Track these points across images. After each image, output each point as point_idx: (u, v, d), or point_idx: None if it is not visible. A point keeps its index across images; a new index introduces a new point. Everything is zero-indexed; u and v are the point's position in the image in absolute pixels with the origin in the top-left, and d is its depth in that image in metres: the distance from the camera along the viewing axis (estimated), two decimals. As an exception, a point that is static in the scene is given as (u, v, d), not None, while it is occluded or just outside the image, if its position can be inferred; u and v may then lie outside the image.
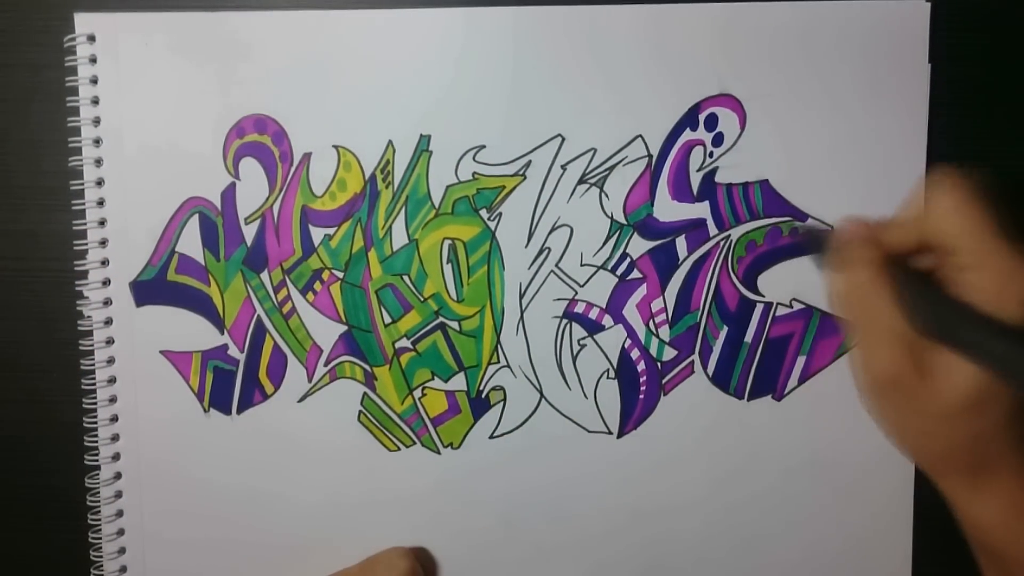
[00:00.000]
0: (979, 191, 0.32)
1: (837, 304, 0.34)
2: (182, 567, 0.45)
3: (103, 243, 0.44)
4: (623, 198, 0.43)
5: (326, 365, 0.44)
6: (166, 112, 0.43)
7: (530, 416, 0.44)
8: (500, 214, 0.43)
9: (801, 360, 0.43)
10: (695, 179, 0.42)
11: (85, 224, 0.44)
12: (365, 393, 0.44)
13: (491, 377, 0.44)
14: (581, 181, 0.43)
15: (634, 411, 0.43)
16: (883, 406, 0.33)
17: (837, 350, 0.43)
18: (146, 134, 0.43)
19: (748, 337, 0.43)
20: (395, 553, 0.43)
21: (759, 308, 0.43)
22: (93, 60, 0.43)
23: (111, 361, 0.44)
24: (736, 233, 0.42)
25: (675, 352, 0.43)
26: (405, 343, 0.44)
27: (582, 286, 0.43)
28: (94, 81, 0.43)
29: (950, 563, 0.42)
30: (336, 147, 0.43)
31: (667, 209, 0.42)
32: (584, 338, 0.43)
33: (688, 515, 0.43)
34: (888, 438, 0.34)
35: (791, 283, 0.42)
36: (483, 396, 0.44)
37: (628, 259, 0.43)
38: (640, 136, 0.42)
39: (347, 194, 0.43)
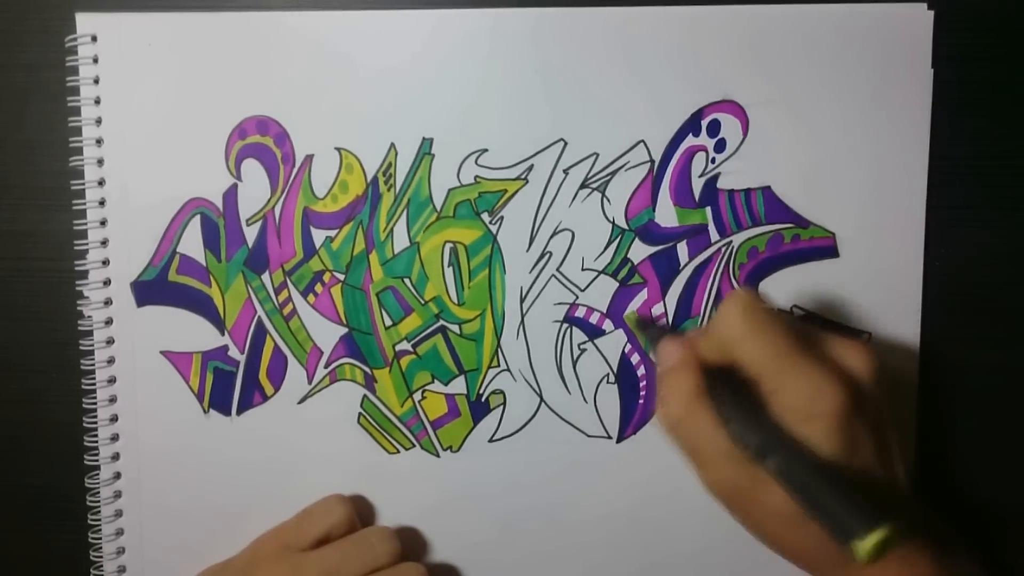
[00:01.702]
0: (767, 312, 0.33)
1: (665, 432, 0.34)
2: (181, 567, 0.45)
3: (104, 243, 0.44)
4: (625, 203, 0.42)
5: (326, 367, 0.44)
6: (168, 113, 0.43)
7: (530, 420, 0.44)
8: (502, 218, 0.43)
9: (801, 366, 0.43)
10: (697, 185, 0.42)
11: (86, 224, 0.44)
12: (365, 395, 0.44)
13: (491, 381, 0.44)
14: (583, 186, 0.43)
15: (634, 416, 0.43)
16: (735, 514, 0.34)
17: (837, 357, 0.43)
18: (148, 134, 0.43)
19: (748, 343, 0.43)
20: (333, 499, 0.43)
21: (760, 314, 0.43)
22: (95, 60, 0.43)
23: (111, 361, 0.44)
24: (738, 239, 0.42)
25: (675, 357, 0.43)
26: (405, 346, 0.44)
27: (583, 290, 0.43)
28: (96, 81, 0.43)
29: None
30: (338, 149, 0.43)
31: (668, 215, 0.42)
32: (584, 342, 0.43)
33: (687, 520, 0.43)
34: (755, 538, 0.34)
35: (792, 290, 0.42)
36: (483, 399, 0.44)
37: (629, 264, 0.43)
38: (642, 141, 0.42)
39: (349, 196, 0.43)
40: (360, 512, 0.43)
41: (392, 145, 0.43)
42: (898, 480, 0.33)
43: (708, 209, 0.42)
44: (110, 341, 0.44)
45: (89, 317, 0.44)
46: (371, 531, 0.42)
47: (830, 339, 0.34)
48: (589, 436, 0.44)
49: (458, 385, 0.44)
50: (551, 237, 0.43)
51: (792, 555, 0.33)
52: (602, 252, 0.43)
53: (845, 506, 0.28)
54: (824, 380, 0.31)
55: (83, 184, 0.44)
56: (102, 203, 0.44)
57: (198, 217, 0.44)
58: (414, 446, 0.44)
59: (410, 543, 0.44)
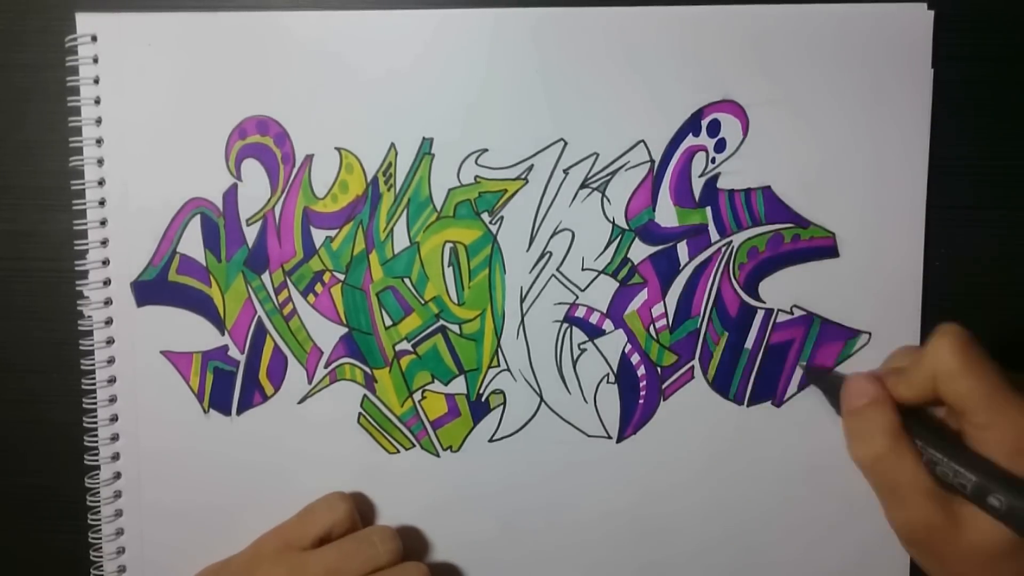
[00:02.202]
0: (980, 348, 0.33)
1: (860, 468, 0.34)
2: (181, 567, 0.45)
3: (104, 243, 0.44)
4: (625, 203, 0.42)
5: (326, 367, 0.44)
6: (168, 113, 0.43)
7: (530, 420, 0.44)
8: (502, 218, 0.43)
9: (801, 367, 0.43)
10: (697, 185, 0.42)
11: (86, 224, 0.44)
12: (365, 395, 0.44)
13: (491, 380, 0.44)
14: (583, 186, 0.43)
15: (634, 416, 0.43)
16: (921, 556, 0.34)
17: (837, 357, 0.43)
18: (148, 134, 0.43)
19: (748, 343, 0.43)
20: (334, 497, 0.43)
21: (760, 314, 0.43)
22: (95, 60, 0.43)
23: (111, 361, 0.44)
24: (738, 239, 0.42)
25: (675, 357, 0.43)
26: (405, 346, 0.44)
27: (583, 290, 0.43)
28: (96, 81, 0.43)
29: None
30: (338, 149, 0.43)
31: (668, 215, 0.42)
32: (584, 342, 0.43)
33: (687, 520, 0.43)
34: None
35: (792, 290, 0.42)
36: (483, 399, 0.44)
37: (629, 264, 0.43)
38: (642, 141, 0.42)
39: (349, 196, 0.43)
40: (361, 511, 0.43)
41: (392, 145, 0.43)
42: None
43: (708, 209, 0.42)
44: (110, 341, 0.44)
45: (89, 317, 0.44)
46: (373, 530, 0.42)
47: None
48: (589, 436, 0.44)
49: (458, 385, 0.44)
50: (551, 237, 0.43)
51: None
52: (602, 252, 0.43)
53: None
54: None
55: (83, 184, 0.44)
56: (102, 203, 0.44)
57: (198, 217, 0.44)
58: (414, 446, 0.44)
59: (411, 543, 0.44)
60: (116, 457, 0.44)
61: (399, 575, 0.40)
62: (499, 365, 0.44)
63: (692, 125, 0.42)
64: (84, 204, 0.44)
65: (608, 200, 0.43)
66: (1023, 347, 0.42)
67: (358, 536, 0.41)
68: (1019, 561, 0.31)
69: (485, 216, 0.43)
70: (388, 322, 0.44)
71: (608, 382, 0.43)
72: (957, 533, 0.32)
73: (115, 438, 0.44)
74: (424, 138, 0.43)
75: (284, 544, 0.41)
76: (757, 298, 0.43)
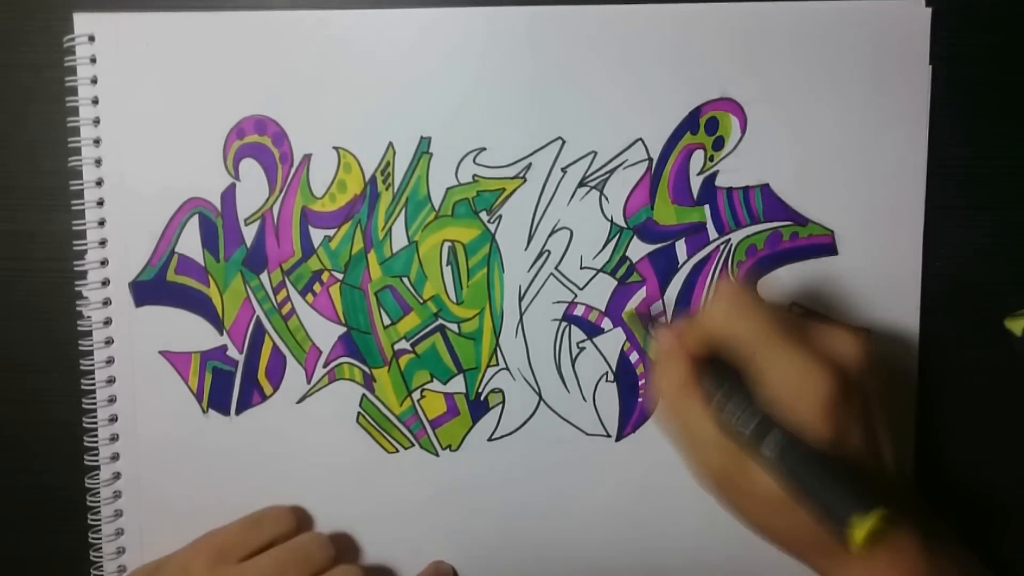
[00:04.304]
0: (754, 295, 0.34)
1: (660, 419, 0.35)
2: (181, 567, 0.45)
3: (102, 243, 0.44)
4: (623, 201, 0.42)
5: (325, 366, 0.44)
6: (166, 112, 0.43)
7: (529, 419, 0.44)
8: (500, 216, 0.43)
9: (800, 364, 0.43)
10: (695, 183, 0.42)
11: (84, 224, 0.44)
12: (364, 395, 0.44)
13: (490, 379, 0.44)
14: (581, 184, 0.43)
15: (633, 414, 0.43)
16: (722, 501, 0.34)
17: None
18: (146, 134, 0.43)
19: (747, 341, 0.43)
20: (283, 510, 0.43)
21: (758, 312, 0.42)
22: (93, 60, 0.43)
23: (110, 361, 0.44)
24: (736, 237, 0.42)
25: (674, 355, 0.43)
26: (404, 345, 0.44)
27: (581, 289, 0.43)
28: (94, 81, 0.43)
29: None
30: (336, 148, 0.43)
31: (667, 213, 0.42)
32: (583, 341, 0.43)
33: (686, 518, 0.43)
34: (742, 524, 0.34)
35: (791, 287, 0.42)
36: (482, 398, 0.44)
37: (628, 262, 0.43)
38: (640, 139, 0.42)
39: (347, 195, 0.43)
40: (300, 522, 0.44)
41: (390, 144, 0.43)
42: (887, 468, 0.33)
43: (706, 207, 0.42)
44: (109, 341, 0.44)
45: (88, 317, 0.44)
46: (307, 538, 0.42)
47: (819, 327, 0.34)
48: (588, 434, 0.44)
49: (457, 384, 0.44)
50: (549, 235, 0.43)
51: (780, 541, 0.34)
52: (600, 250, 0.43)
53: (839, 491, 0.29)
54: (811, 365, 0.31)
55: (81, 184, 0.44)
56: (100, 203, 0.44)
57: (196, 217, 0.44)
58: (413, 445, 0.44)
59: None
60: (116, 457, 0.44)
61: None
62: (498, 364, 0.44)
63: (690, 123, 0.42)
64: (83, 204, 0.44)
65: (606, 198, 0.43)
66: (1022, 345, 0.42)
67: (292, 545, 0.42)
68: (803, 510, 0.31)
69: (483, 215, 0.43)
70: (387, 321, 0.44)
71: (607, 380, 0.43)
72: (748, 480, 0.32)
73: (115, 438, 0.44)
74: (422, 137, 0.43)
75: (218, 553, 0.41)
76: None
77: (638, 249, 0.43)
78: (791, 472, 0.30)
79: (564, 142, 0.42)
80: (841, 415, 0.31)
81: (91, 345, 0.44)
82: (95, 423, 0.44)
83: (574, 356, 0.43)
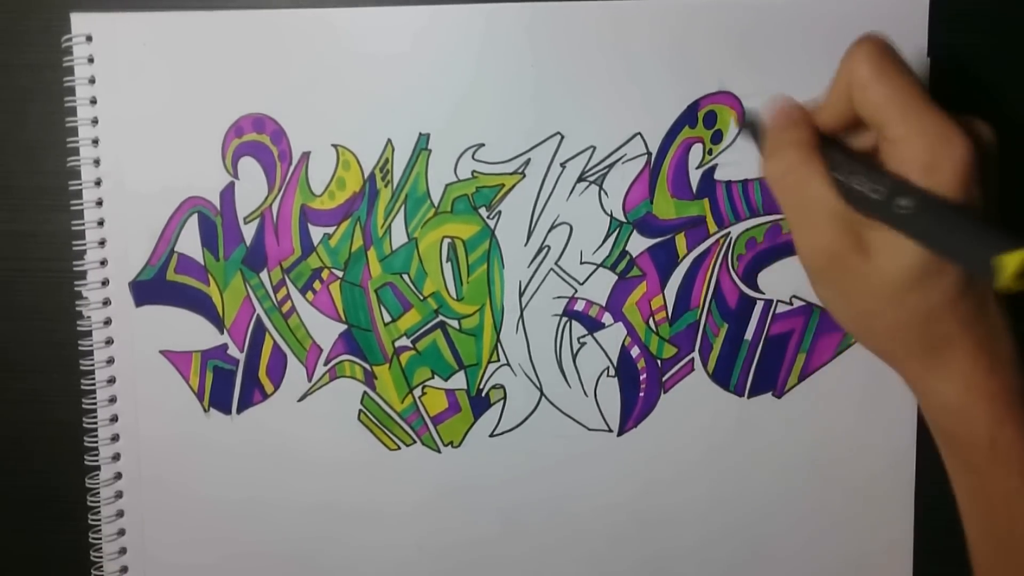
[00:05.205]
0: (897, 57, 0.31)
1: (770, 187, 0.33)
2: (183, 567, 0.45)
3: (102, 243, 0.44)
4: (622, 196, 0.42)
5: (326, 364, 0.44)
6: (164, 111, 0.43)
7: (530, 414, 0.44)
8: (499, 212, 0.43)
9: (801, 357, 0.43)
10: (694, 176, 0.42)
11: (84, 224, 0.44)
12: (365, 392, 0.44)
13: (491, 375, 0.44)
14: (580, 179, 0.43)
15: (634, 409, 0.43)
16: (826, 288, 0.33)
17: (837, 347, 0.42)
18: (144, 134, 0.43)
19: (748, 335, 0.43)
20: None
21: (759, 305, 0.42)
22: (91, 60, 0.43)
23: (110, 361, 0.44)
24: (736, 230, 0.42)
25: (675, 350, 0.43)
26: (405, 342, 0.44)
27: (582, 284, 0.43)
28: (92, 81, 0.43)
29: (951, 562, 0.42)
30: (335, 146, 0.43)
31: (666, 207, 0.42)
32: (584, 336, 0.43)
33: (688, 512, 0.43)
34: (837, 321, 0.33)
35: (791, 280, 0.42)
36: (483, 394, 0.44)
37: (627, 257, 0.43)
38: (639, 134, 0.42)
39: (346, 193, 0.43)
40: None
41: (389, 141, 0.43)
42: None
43: (706, 200, 0.42)
44: (109, 341, 0.44)
45: (88, 317, 0.44)
46: None
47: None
48: (590, 430, 0.43)
49: (458, 380, 0.44)
50: (549, 231, 0.43)
51: (882, 338, 0.32)
52: (600, 245, 0.43)
53: (983, 233, 0.28)
54: (953, 130, 0.29)
55: (80, 184, 0.44)
56: (99, 203, 0.44)
57: (195, 216, 0.44)
58: (415, 442, 0.44)
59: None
60: (116, 457, 0.44)
61: None
62: (499, 360, 0.43)
63: (688, 117, 0.42)
64: (82, 204, 0.44)
65: (606, 193, 0.43)
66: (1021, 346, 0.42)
67: None
68: (923, 293, 0.30)
69: (483, 211, 0.43)
70: (387, 318, 0.43)
71: (608, 375, 0.43)
72: (863, 260, 0.30)
73: (115, 438, 0.44)
74: (421, 134, 0.43)
75: None
76: (756, 289, 0.42)
77: (638, 243, 0.43)
78: (933, 220, 0.29)
79: (563, 137, 0.42)
80: (976, 186, 0.29)
81: (91, 345, 0.44)
82: (95, 423, 0.44)
83: (575, 351, 0.43)
